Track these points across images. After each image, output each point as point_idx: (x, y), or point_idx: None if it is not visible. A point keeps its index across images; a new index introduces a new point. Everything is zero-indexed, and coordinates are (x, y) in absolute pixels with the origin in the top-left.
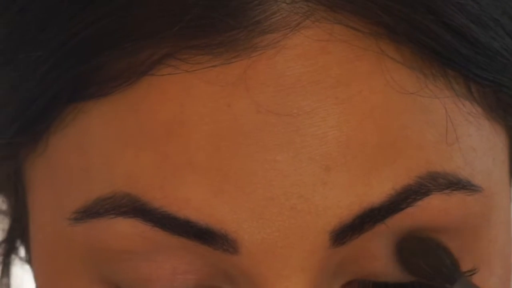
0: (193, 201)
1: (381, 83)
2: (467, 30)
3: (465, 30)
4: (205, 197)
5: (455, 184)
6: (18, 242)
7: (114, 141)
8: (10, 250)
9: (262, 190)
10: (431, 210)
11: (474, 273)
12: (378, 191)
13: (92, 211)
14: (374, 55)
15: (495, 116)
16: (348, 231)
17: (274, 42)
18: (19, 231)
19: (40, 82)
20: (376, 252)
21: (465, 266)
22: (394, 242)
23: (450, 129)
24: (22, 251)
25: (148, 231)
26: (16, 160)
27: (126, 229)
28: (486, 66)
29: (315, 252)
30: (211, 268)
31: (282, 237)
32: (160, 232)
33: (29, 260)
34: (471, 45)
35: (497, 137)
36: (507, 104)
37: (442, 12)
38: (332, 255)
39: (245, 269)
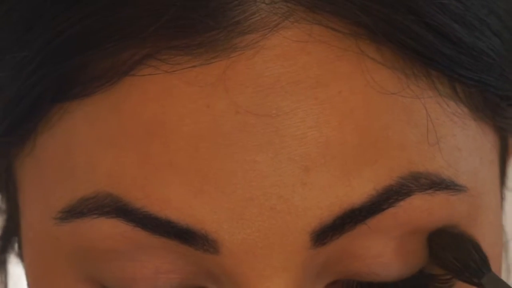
0: (174, 202)
1: (361, 83)
2: (450, 30)
3: (447, 30)
4: (186, 198)
5: (438, 184)
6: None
7: (97, 141)
8: (5, 247)
9: (241, 190)
10: (414, 210)
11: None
12: (359, 191)
13: (77, 211)
14: (354, 55)
15: (482, 116)
16: (329, 232)
17: (253, 42)
18: (13, 229)
19: (25, 82)
20: (360, 252)
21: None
22: (377, 242)
23: (431, 129)
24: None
25: (130, 231)
26: (6, 158)
27: (109, 229)
28: (471, 66)
29: (296, 252)
30: (193, 267)
31: (262, 237)
32: (142, 232)
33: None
34: (454, 45)
35: (484, 137)
36: (494, 104)
37: (423, 12)
38: (314, 255)
39: (227, 268)
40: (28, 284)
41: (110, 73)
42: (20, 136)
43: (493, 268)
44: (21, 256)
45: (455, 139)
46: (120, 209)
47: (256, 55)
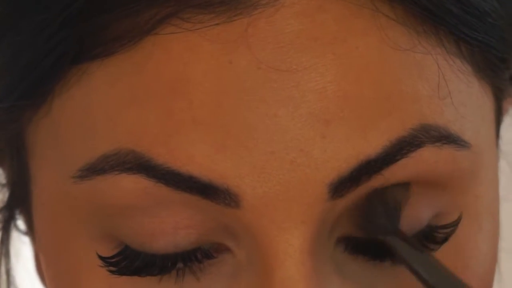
0: (196, 157)
1: (376, 39)
2: None
3: None
4: (208, 153)
5: (446, 138)
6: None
7: (119, 99)
8: (10, 217)
9: (263, 145)
10: (423, 162)
11: (457, 223)
12: (374, 143)
13: (97, 168)
14: (369, 12)
15: (483, 75)
16: (346, 183)
17: (273, 0)
18: (20, 197)
19: (44, 45)
20: None
21: (451, 218)
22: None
23: (442, 83)
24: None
25: (151, 187)
26: (19, 123)
27: (130, 185)
28: (475, 26)
29: (314, 205)
30: (212, 222)
31: (283, 190)
32: (163, 187)
33: (27, 230)
34: (461, 4)
35: (485, 96)
36: (494, 65)
37: None
38: (331, 207)
39: (247, 222)
40: (40, 251)
41: (132, 32)
42: (36, 99)
43: (493, 223)
44: (25, 230)
45: (461, 95)
46: (142, 165)
47: (276, 12)
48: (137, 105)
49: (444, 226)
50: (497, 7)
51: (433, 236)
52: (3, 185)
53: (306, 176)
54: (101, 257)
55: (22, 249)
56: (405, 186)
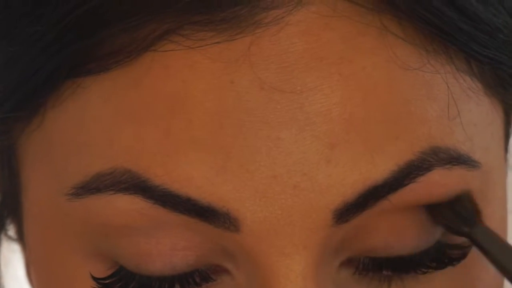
0: (196, 179)
1: (384, 59)
2: (469, 6)
3: (466, 6)
4: (208, 175)
5: (456, 159)
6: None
7: (115, 116)
8: (1, 226)
9: (265, 168)
10: (432, 185)
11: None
12: (382, 168)
13: (91, 187)
14: (376, 31)
15: (493, 92)
16: (352, 209)
17: (277, 18)
18: (11, 207)
19: (37, 57)
20: (377, 226)
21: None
22: (395, 217)
23: (452, 103)
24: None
25: (148, 208)
26: (10, 134)
27: (126, 205)
28: (486, 43)
29: (317, 230)
30: (210, 244)
31: (284, 215)
32: (161, 209)
33: (18, 239)
34: (472, 22)
35: (495, 113)
36: (505, 82)
37: None
38: (334, 232)
39: (247, 247)
40: (31, 262)
41: (129, 48)
42: (28, 111)
43: None
44: (15, 238)
45: (471, 114)
46: (138, 186)
47: (280, 31)
48: (133, 123)
49: (454, 246)
50: (509, 22)
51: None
52: None
53: (310, 202)
54: (94, 278)
55: (11, 258)
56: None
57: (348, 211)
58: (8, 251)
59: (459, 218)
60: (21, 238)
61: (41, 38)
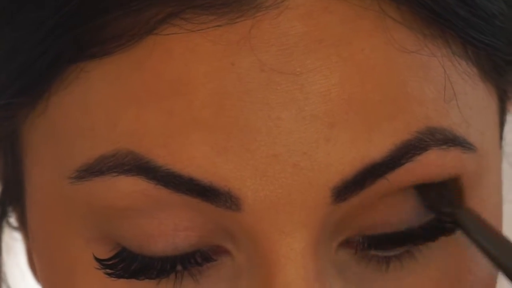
0: (197, 159)
1: (382, 41)
2: None
3: None
4: (209, 155)
5: (452, 140)
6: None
7: (117, 99)
8: (3, 214)
9: (265, 147)
10: (428, 165)
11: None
12: (379, 146)
13: (95, 170)
14: (375, 14)
15: (488, 78)
16: (350, 187)
17: (277, 2)
18: (13, 195)
19: (41, 42)
20: (375, 206)
21: None
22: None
23: (448, 86)
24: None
25: (151, 189)
26: (14, 120)
27: (129, 187)
28: (483, 29)
29: (317, 209)
30: (212, 225)
31: (285, 194)
32: (163, 190)
33: (19, 227)
34: (469, 7)
35: (491, 98)
36: (500, 67)
37: None
38: (333, 211)
39: (247, 226)
40: (33, 249)
41: (132, 32)
42: (32, 96)
43: (496, 227)
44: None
45: (466, 97)
46: (141, 167)
47: (280, 14)
48: (136, 105)
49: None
50: (505, 9)
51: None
52: None
53: (309, 180)
54: (97, 259)
55: (13, 246)
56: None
57: (346, 189)
58: (10, 239)
59: (443, 199)
60: (22, 225)
61: (44, 23)
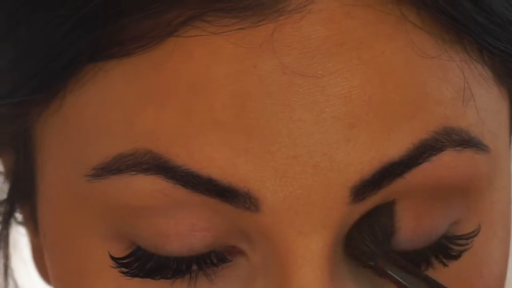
0: (217, 160)
1: (402, 44)
2: None
3: None
4: (229, 156)
5: (467, 142)
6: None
7: (137, 98)
8: (11, 211)
9: (286, 149)
10: (443, 166)
11: (476, 234)
12: (398, 145)
13: (113, 168)
14: (395, 19)
15: (502, 82)
16: (368, 187)
17: (300, 6)
18: (23, 192)
19: (59, 42)
20: None
21: (469, 226)
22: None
23: (466, 87)
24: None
25: (169, 188)
26: (27, 118)
27: (147, 186)
28: (498, 35)
29: (336, 209)
30: (229, 225)
31: (304, 194)
32: (182, 189)
33: (24, 223)
34: (486, 13)
35: (503, 102)
36: None
37: None
38: (351, 212)
39: (265, 227)
40: (44, 246)
41: (152, 33)
42: (46, 94)
43: (505, 230)
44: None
45: (482, 99)
46: (160, 166)
47: (303, 18)
48: (155, 105)
49: (462, 237)
50: None
51: (449, 247)
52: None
53: (329, 180)
54: (113, 258)
55: (19, 240)
56: (388, 206)
57: (364, 188)
58: (17, 234)
59: (364, 255)
60: (30, 222)
61: (63, 23)
